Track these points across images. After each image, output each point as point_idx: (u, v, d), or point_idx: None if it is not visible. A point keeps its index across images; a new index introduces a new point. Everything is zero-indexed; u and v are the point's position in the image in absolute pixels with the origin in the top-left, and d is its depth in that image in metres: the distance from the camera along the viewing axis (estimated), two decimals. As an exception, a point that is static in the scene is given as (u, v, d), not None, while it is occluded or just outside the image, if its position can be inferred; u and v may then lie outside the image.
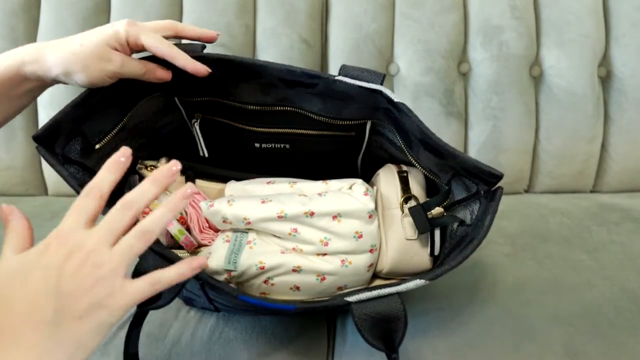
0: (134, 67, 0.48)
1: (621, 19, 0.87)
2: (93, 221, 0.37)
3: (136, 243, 0.36)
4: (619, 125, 0.88)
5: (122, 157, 0.38)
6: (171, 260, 0.42)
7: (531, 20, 0.87)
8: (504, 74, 0.87)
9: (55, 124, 0.46)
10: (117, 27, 0.47)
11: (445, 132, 0.88)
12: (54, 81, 0.48)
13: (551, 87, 0.88)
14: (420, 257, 0.56)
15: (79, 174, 0.50)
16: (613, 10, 0.87)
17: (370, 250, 0.54)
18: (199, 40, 0.51)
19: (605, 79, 0.89)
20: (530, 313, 0.58)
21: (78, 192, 0.45)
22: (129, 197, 0.37)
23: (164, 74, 0.51)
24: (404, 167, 0.59)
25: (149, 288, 0.36)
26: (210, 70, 0.50)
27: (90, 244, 0.35)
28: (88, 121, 0.50)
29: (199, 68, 0.49)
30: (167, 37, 0.49)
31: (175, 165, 0.39)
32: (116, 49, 0.47)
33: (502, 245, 0.72)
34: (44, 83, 0.49)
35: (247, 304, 0.45)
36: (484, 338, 0.55)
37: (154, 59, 0.49)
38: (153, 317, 0.58)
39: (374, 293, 0.44)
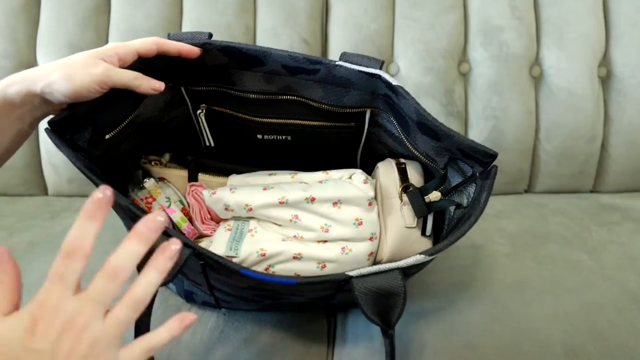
0: (122, 72, 0.47)
1: (621, 19, 0.87)
2: (79, 285, 0.34)
3: (129, 314, 0.34)
4: (619, 125, 0.88)
5: (101, 194, 0.33)
6: (175, 237, 0.40)
7: (531, 20, 0.87)
8: (504, 74, 0.87)
9: (73, 113, 0.47)
10: (105, 45, 0.48)
11: (445, 132, 0.88)
12: (42, 102, 0.46)
13: (551, 87, 0.88)
14: (420, 244, 0.56)
15: (86, 160, 0.51)
16: (613, 10, 0.87)
17: (370, 238, 0.54)
18: (179, 55, 0.51)
19: (605, 79, 0.89)
20: (530, 313, 0.58)
21: (84, 174, 0.46)
22: (114, 262, 0.34)
23: (158, 84, 0.50)
24: (402, 160, 0.60)
25: (143, 356, 0.35)
26: (200, 50, 0.52)
27: (82, 320, 0.32)
28: (102, 112, 0.51)
29: (194, 49, 0.51)
30: (149, 55, 0.50)
31: (160, 215, 0.35)
32: (104, 61, 0.46)
33: (502, 245, 0.72)
34: (32, 107, 0.47)
35: (249, 280, 0.45)
36: (484, 338, 0.55)
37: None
38: (153, 317, 0.58)
39: (375, 268, 0.45)
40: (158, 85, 0.50)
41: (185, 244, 0.42)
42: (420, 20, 0.87)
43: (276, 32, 0.88)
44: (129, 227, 0.54)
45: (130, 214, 0.45)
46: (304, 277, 0.47)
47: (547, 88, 0.88)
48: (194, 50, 0.52)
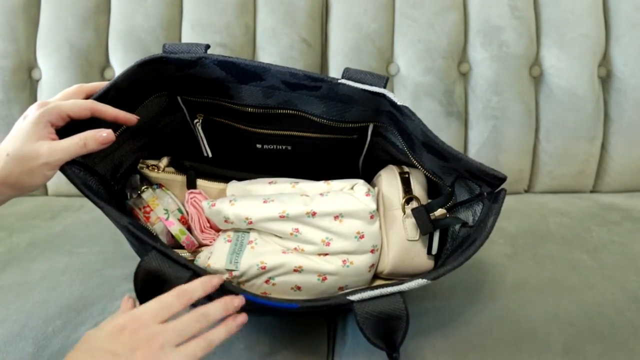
0: (66, 146, 0.45)
1: (621, 19, 0.87)
2: (168, 319, 0.40)
3: (199, 351, 0.39)
4: (619, 125, 0.88)
5: (218, 281, 0.43)
6: (175, 260, 0.43)
7: (531, 20, 0.87)
8: (504, 74, 0.87)
9: (63, 128, 0.46)
10: (30, 117, 0.44)
11: (445, 132, 0.88)
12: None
13: (551, 87, 0.88)
14: (422, 258, 0.56)
15: (80, 173, 0.51)
16: (613, 10, 0.87)
17: (372, 251, 0.54)
18: (115, 122, 0.49)
19: (605, 79, 0.89)
20: (530, 313, 0.58)
21: (81, 191, 0.45)
22: (205, 310, 0.41)
23: (106, 137, 0.46)
24: (406, 168, 0.59)
25: None
26: (138, 118, 0.50)
27: (159, 341, 0.38)
28: (93, 125, 0.50)
29: (131, 117, 0.50)
30: (81, 119, 0.46)
31: (240, 300, 0.44)
32: (41, 139, 0.44)
33: (502, 245, 0.72)
34: None
35: (249, 303, 0.45)
36: (484, 338, 0.55)
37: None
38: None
39: (376, 292, 0.44)
40: (105, 137, 0.46)
41: (186, 266, 0.44)
42: (420, 20, 0.87)
43: (276, 32, 0.88)
44: (129, 240, 0.54)
45: (129, 233, 0.45)
46: (305, 300, 0.47)
47: (547, 88, 0.88)
48: (131, 119, 0.49)
